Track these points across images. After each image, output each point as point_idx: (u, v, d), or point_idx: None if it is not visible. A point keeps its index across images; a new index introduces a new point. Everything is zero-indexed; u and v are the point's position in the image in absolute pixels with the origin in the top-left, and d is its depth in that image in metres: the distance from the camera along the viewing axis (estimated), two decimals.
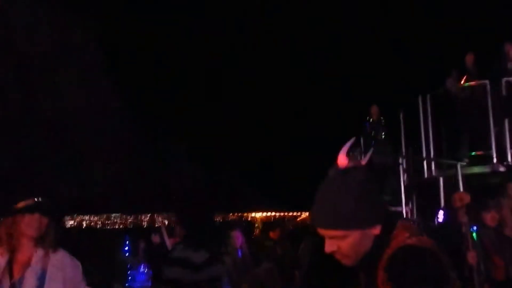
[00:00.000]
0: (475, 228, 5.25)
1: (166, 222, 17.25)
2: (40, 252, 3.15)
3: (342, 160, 3.90)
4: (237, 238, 6.98)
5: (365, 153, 9.58)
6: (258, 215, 21.94)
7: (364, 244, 1.88)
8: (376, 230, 1.87)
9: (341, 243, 1.87)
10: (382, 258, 1.85)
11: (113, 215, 23.82)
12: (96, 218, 23.41)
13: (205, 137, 25.50)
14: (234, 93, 29.27)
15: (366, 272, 1.95)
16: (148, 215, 23.34)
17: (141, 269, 8.80)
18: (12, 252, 3.11)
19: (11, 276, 3.06)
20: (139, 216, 23.83)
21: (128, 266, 8.74)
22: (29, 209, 3.13)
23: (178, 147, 24.13)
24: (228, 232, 7.21)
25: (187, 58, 28.06)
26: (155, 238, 8.41)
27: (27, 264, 3.11)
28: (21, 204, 3.16)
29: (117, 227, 23.45)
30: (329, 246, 1.90)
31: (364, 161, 4.11)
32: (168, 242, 7.16)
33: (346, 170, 1.93)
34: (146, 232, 9.44)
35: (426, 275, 1.77)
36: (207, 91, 28.97)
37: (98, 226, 23.53)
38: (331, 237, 1.88)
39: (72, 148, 18.56)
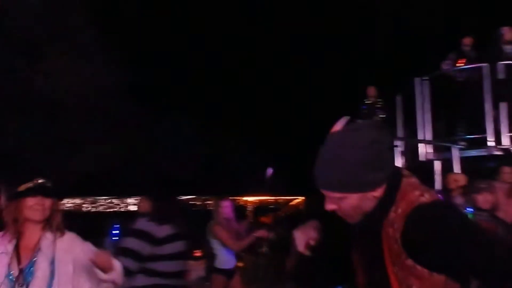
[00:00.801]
0: (470, 209, 5.25)
1: None
2: (48, 236, 3.09)
3: None
4: (226, 207, 6.86)
5: None
6: (251, 199, 21.93)
7: (364, 205, 1.88)
8: (378, 192, 1.85)
9: (341, 203, 1.89)
10: (389, 217, 1.85)
11: (102, 198, 23.73)
12: (83, 201, 23.27)
13: (199, 120, 25.36)
14: (230, 73, 29.19)
15: (369, 232, 1.94)
16: (139, 199, 23.35)
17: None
18: (19, 237, 3.05)
19: (19, 262, 2.99)
20: (128, 200, 23.77)
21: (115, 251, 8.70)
22: (31, 192, 3.05)
23: (170, 129, 23.96)
24: (217, 201, 7.11)
25: (183, 38, 27.87)
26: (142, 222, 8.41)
27: (35, 249, 3.04)
28: (22, 187, 3.07)
29: (105, 210, 23.38)
30: (330, 205, 1.93)
31: None
32: None
33: (357, 126, 1.89)
34: (136, 216, 9.37)
35: (453, 230, 1.78)
36: (205, 72, 28.81)
37: (86, 209, 23.42)
38: (332, 198, 1.90)
39: (63, 129, 18.33)
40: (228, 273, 6.94)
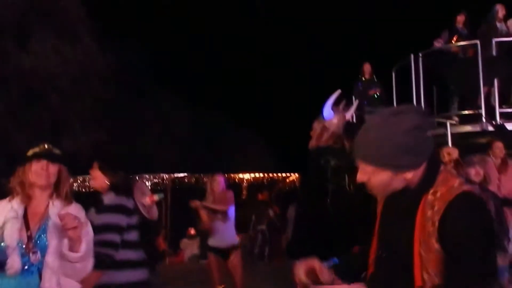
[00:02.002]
0: None
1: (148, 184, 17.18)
2: (56, 204, 3.10)
3: (327, 112, 4.02)
4: (219, 182, 6.97)
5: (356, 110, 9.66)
6: (246, 176, 21.86)
7: (393, 184, 1.98)
8: (410, 174, 1.94)
9: (371, 177, 1.99)
10: (427, 199, 1.94)
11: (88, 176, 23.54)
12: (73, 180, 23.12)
13: (190, 99, 25.21)
14: (216, 49, 29.03)
15: (403, 209, 2.03)
16: (130, 176, 23.21)
17: None
18: (27, 203, 3.06)
19: (27, 228, 2.99)
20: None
21: None
22: (36, 156, 3.08)
23: (160, 107, 23.79)
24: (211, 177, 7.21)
25: (170, 18, 27.70)
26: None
27: (44, 216, 3.05)
28: (30, 152, 3.11)
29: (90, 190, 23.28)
30: (361, 176, 2.03)
31: (348, 115, 4.23)
32: (143, 200, 7.10)
33: (404, 109, 1.97)
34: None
35: (485, 225, 1.89)
36: (189, 50, 28.62)
37: (77, 189, 23.34)
38: (363, 169, 2.00)
39: (50, 110, 18.16)
40: (222, 252, 6.90)
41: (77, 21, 18.84)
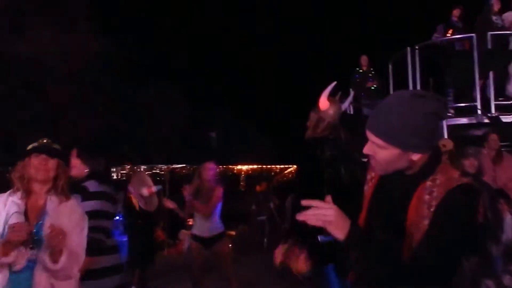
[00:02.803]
0: None
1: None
2: (53, 199, 3.15)
3: (323, 103, 4.08)
4: (210, 170, 6.76)
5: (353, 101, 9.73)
6: (244, 167, 21.91)
7: (398, 162, 2.07)
8: (415, 156, 2.03)
9: (379, 151, 2.07)
10: (425, 184, 2.05)
11: None
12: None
13: (189, 88, 25.25)
14: (218, 43, 29.03)
15: (400, 189, 2.12)
16: (128, 167, 23.15)
17: (116, 222, 8.85)
18: (26, 197, 3.12)
19: (27, 222, 3.02)
20: (119, 168, 23.66)
21: None
22: (36, 150, 3.13)
23: (159, 98, 23.78)
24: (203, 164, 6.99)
25: (170, 7, 27.64)
26: (131, 188, 8.45)
27: (41, 212, 3.10)
28: (29, 146, 3.17)
29: None
30: (368, 149, 2.11)
31: (344, 106, 4.30)
32: (141, 191, 7.12)
33: (420, 95, 2.03)
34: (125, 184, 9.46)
35: (474, 218, 2.00)
36: (193, 41, 28.61)
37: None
38: (374, 144, 2.07)
39: (49, 97, 18.11)
40: (205, 241, 6.68)
41: (75, 9, 18.78)
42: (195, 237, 6.78)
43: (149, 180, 7.26)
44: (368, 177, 2.34)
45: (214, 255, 6.71)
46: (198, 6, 28.81)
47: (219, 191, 6.75)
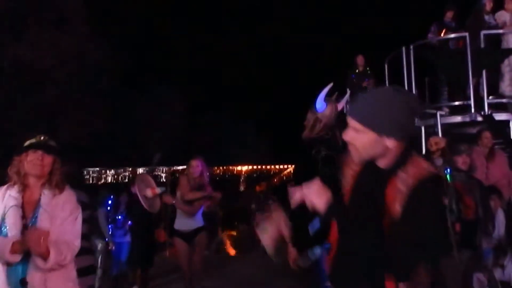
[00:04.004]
0: (448, 170, 5.57)
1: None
2: (47, 193, 3.26)
3: (320, 104, 4.23)
4: (197, 166, 6.82)
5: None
6: (244, 168, 21.94)
7: (374, 148, 2.26)
8: (391, 144, 2.23)
9: (357, 137, 2.26)
10: (398, 174, 2.23)
11: (93, 169, 23.49)
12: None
13: (189, 90, 25.24)
14: (216, 43, 29.02)
15: (375, 180, 2.31)
16: (130, 169, 23.17)
17: (119, 223, 8.97)
18: (22, 191, 3.23)
19: (23, 216, 3.16)
20: (121, 170, 23.57)
21: (108, 220, 8.82)
22: (32, 147, 3.24)
23: (159, 99, 23.76)
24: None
25: (168, 8, 27.67)
26: (134, 189, 8.53)
27: (36, 205, 3.21)
28: (26, 142, 3.27)
29: (97, 182, 23.16)
30: (348, 135, 2.30)
31: (340, 106, 4.44)
32: (145, 192, 7.20)
33: (397, 89, 2.27)
34: (128, 186, 9.57)
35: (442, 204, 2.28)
36: (191, 42, 28.61)
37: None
38: (353, 128, 2.27)
39: (47, 99, 18.08)
40: (187, 236, 6.79)
41: (73, 12, 18.78)
42: (177, 233, 6.88)
43: (152, 182, 7.38)
44: (350, 172, 2.49)
45: (192, 246, 6.80)
46: (201, 8, 28.89)
47: (209, 188, 6.91)
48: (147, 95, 23.67)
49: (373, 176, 2.34)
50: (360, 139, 2.26)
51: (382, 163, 2.31)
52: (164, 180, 17.63)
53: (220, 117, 25.58)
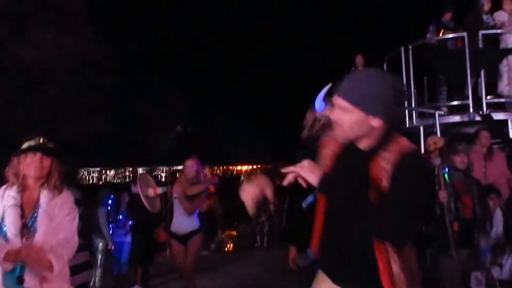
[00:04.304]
0: (447, 169, 5.62)
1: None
2: (46, 193, 3.31)
3: (319, 104, 4.27)
4: (191, 166, 6.89)
5: None
6: (244, 168, 21.97)
7: (360, 127, 2.34)
8: (375, 123, 2.31)
9: (343, 116, 2.33)
10: (380, 154, 2.31)
11: (94, 169, 23.51)
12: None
13: (188, 90, 25.24)
14: (216, 43, 29.02)
15: (358, 161, 2.38)
16: (130, 169, 23.17)
17: (120, 223, 9.00)
18: (21, 192, 3.28)
19: (22, 215, 3.22)
20: (122, 170, 23.54)
21: (109, 220, 8.86)
22: (31, 149, 3.29)
23: (159, 99, 23.75)
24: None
25: (168, 7, 27.64)
26: (135, 189, 8.54)
27: (35, 205, 3.27)
28: (25, 145, 3.32)
29: (97, 182, 23.16)
30: (334, 114, 2.37)
31: None
32: (146, 192, 7.25)
33: (383, 72, 2.44)
34: (129, 185, 9.61)
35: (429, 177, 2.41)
36: (191, 41, 28.61)
37: (81, 182, 23.15)
38: (340, 107, 2.34)
39: (48, 98, 18.09)
40: (182, 238, 6.83)
41: (74, 11, 18.78)
42: (173, 235, 6.94)
43: (152, 182, 7.43)
44: (324, 153, 2.58)
45: (187, 248, 6.82)
46: (201, 7, 28.89)
47: (207, 191, 7.05)
48: (148, 94, 23.67)
49: (355, 156, 2.41)
50: (347, 118, 2.32)
51: (364, 144, 2.39)
52: (164, 180, 17.63)
53: (221, 116, 25.59)
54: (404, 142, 2.34)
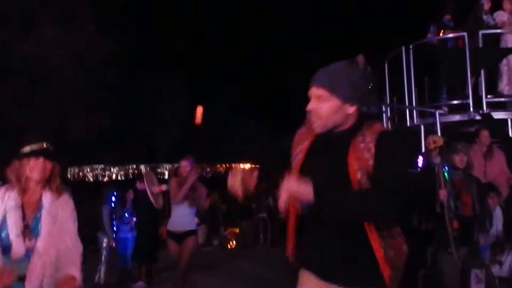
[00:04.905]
0: (446, 168, 5.69)
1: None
2: (47, 195, 3.37)
3: None
4: (185, 167, 6.90)
5: None
6: (246, 166, 22.03)
7: (337, 115, 2.50)
8: (351, 110, 2.48)
9: (322, 105, 2.50)
10: (357, 137, 2.45)
11: (99, 166, 23.53)
12: (79, 170, 22.91)
13: (192, 88, 25.27)
14: (216, 36, 29.01)
15: (336, 146, 2.51)
16: (134, 166, 23.18)
17: (125, 219, 9.06)
18: (22, 194, 3.33)
19: (24, 216, 3.27)
20: (126, 167, 23.56)
21: (114, 216, 8.95)
22: (34, 154, 3.33)
23: (164, 97, 23.74)
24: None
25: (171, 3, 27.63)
26: (140, 186, 8.56)
27: (38, 206, 3.33)
28: (26, 149, 3.36)
29: (103, 179, 23.16)
30: (312, 104, 2.52)
31: None
32: (153, 189, 7.34)
33: (356, 63, 2.64)
34: (133, 182, 9.69)
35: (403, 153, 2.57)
36: (194, 39, 28.63)
37: (86, 178, 23.11)
38: (317, 97, 2.50)
39: (53, 96, 18.09)
40: (178, 237, 6.83)
41: (79, 7, 18.79)
42: (170, 234, 6.94)
43: (155, 179, 7.54)
44: (297, 150, 2.70)
45: (181, 247, 6.81)
46: (204, 3, 28.83)
47: (201, 191, 7.00)
48: (153, 91, 23.68)
49: (332, 144, 2.54)
50: (324, 106, 2.48)
51: (340, 129, 2.55)
52: (167, 177, 17.69)
53: (224, 115, 25.62)
54: (377, 125, 2.52)
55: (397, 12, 22.38)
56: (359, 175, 2.39)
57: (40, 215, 3.31)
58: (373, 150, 2.39)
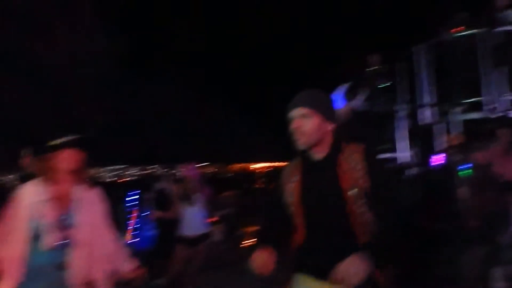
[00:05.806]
0: (466, 166, 5.65)
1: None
2: (81, 187, 3.42)
3: (338, 102, 4.36)
4: (190, 170, 6.95)
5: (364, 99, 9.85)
6: (259, 166, 22.01)
7: (318, 131, 2.74)
8: (330, 127, 2.75)
9: (306, 122, 2.73)
10: (339, 160, 2.68)
11: (114, 167, 23.58)
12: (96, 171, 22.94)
13: (203, 87, 25.26)
14: (222, 37, 28.98)
15: (325, 169, 2.72)
16: (152, 168, 23.24)
17: (146, 218, 9.13)
18: (54, 186, 3.34)
19: (57, 207, 3.29)
20: (145, 168, 23.65)
21: (129, 216, 8.94)
22: (69, 144, 3.36)
23: (175, 96, 23.75)
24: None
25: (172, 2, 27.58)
26: (161, 185, 8.70)
27: (69, 197, 3.37)
28: (60, 140, 3.37)
29: (117, 179, 23.24)
30: (296, 123, 2.76)
31: (356, 104, 4.57)
32: (173, 188, 7.36)
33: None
34: (153, 182, 9.74)
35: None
36: (201, 36, 28.58)
37: (105, 180, 23.19)
38: (301, 115, 2.74)
39: (54, 96, 18.15)
40: (190, 241, 6.79)
41: (81, 6, 18.86)
42: (181, 238, 6.84)
43: (172, 180, 7.57)
44: (293, 178, 2.89)
45: (194, 253, 6.79)
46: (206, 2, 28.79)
47: (204, 193, 7.03)
48: (160, 94, 23.68)
49: (320, 172, 2.75)
50: (308, 123, 2.73)
51: (319, 152, 2.76)
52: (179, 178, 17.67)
53: (237, 116, 25.63)
54: (353, 145, 2.75)
55: (397, 12, 22.26)
56: (351, 193, 2.59)
57: (74, 207, 3.36)
58: (363, 168, 2.62)
